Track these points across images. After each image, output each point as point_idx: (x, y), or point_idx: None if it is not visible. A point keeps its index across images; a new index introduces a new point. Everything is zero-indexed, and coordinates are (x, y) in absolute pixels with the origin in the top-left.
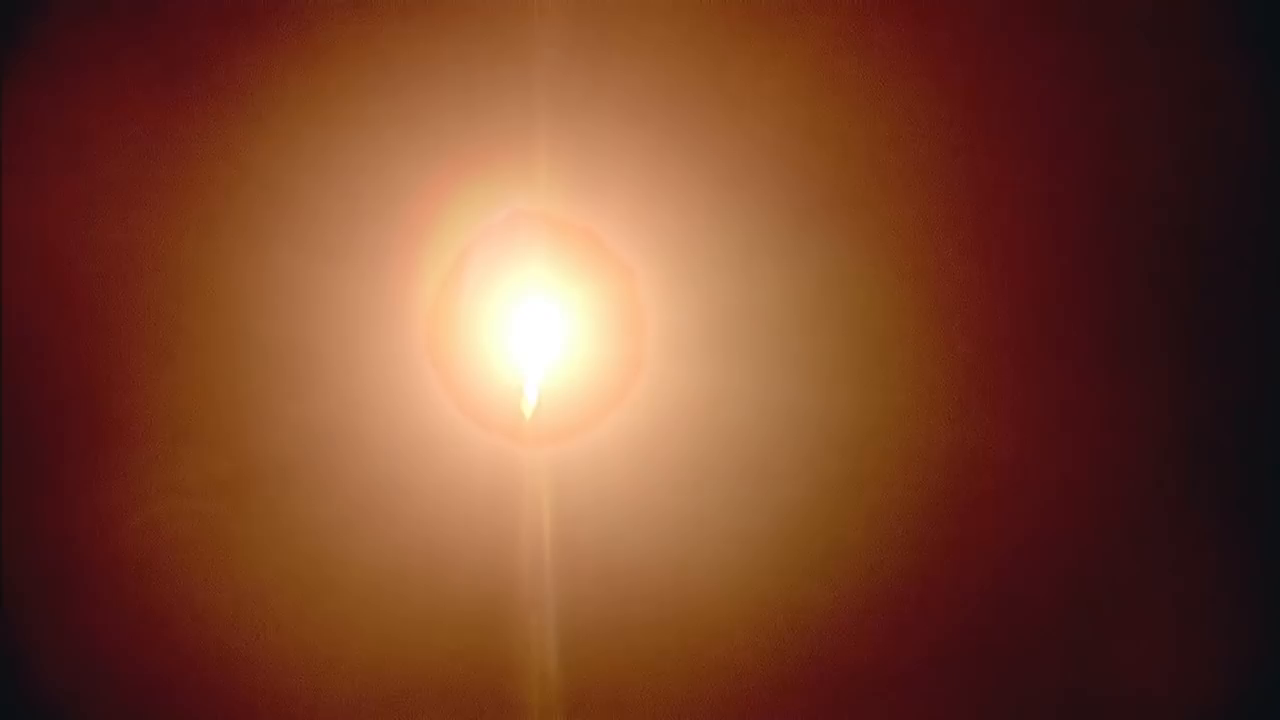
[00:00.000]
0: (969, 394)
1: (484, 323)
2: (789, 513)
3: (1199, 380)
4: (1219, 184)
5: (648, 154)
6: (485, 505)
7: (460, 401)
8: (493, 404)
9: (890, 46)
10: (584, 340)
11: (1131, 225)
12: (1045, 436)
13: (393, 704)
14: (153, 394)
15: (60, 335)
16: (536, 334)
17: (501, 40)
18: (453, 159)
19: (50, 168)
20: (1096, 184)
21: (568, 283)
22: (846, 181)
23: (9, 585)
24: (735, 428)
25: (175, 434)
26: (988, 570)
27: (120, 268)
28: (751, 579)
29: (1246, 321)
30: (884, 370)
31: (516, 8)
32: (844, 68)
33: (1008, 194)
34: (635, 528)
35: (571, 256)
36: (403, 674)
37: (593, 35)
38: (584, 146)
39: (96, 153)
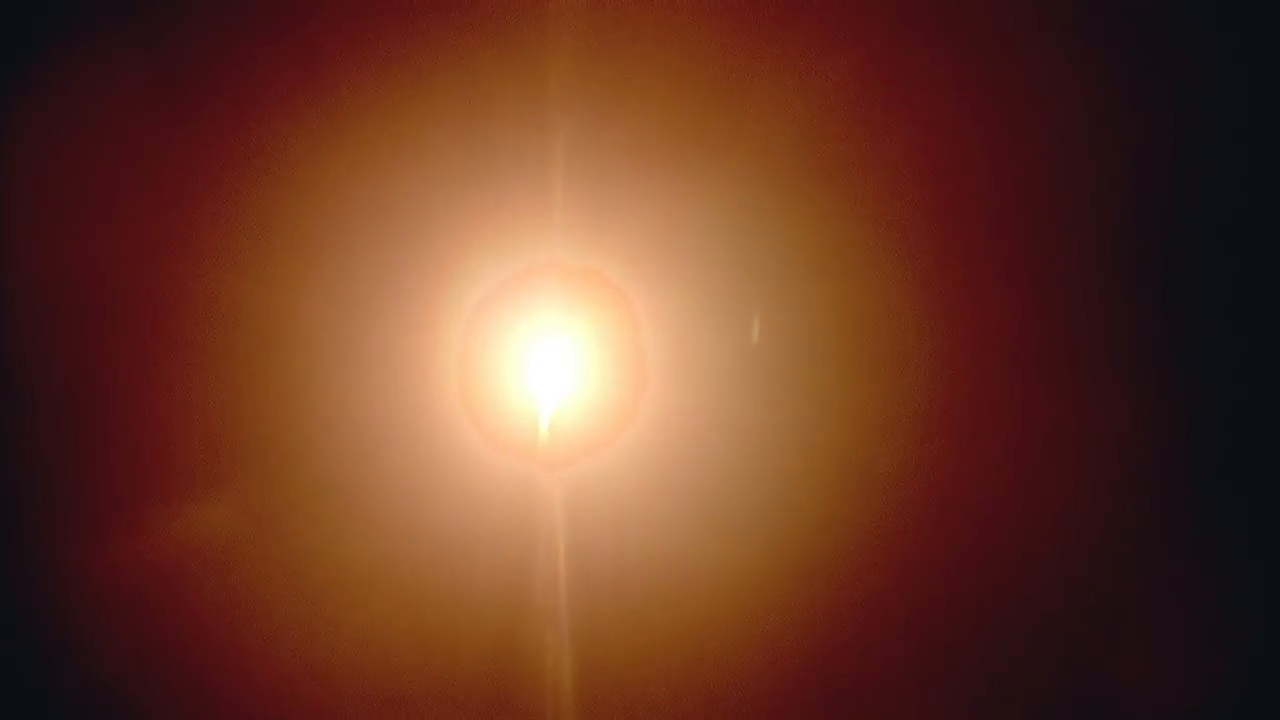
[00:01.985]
0: (960, 420)
1: (505, 357)
2: (785, 527)
3: (1178, 391)
4: (1193, 191)
5: (653, 203)
6: (504, 522)
7: (482, 428)
8: (512, 430)
9: (889, 92)
10: (593, 373)
11: (1108, 242)
12: (1032, 457)
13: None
14: (185, 422)
15: (92, 364)
16: (551, 366)
17: (519, 102)
18: (476, 213)
19: (88, 209)
20: (1065, 213)
21: (579, 321)
22: (841, 223)
23: (40, 600)
24: (729, 448)
25: (204, 461)
26: (977, 583)
27: (158, 305)
28: (753, 588)
29: (1218, 330)
30: (872, 395)
31: (531, 76)
32: (844, 115)
33: (996, 232)
34: (641, 539)
35: (582, 298)
36: (420, 689)
37: (601, 92)
38: (595, 195)
39: (135, 192)
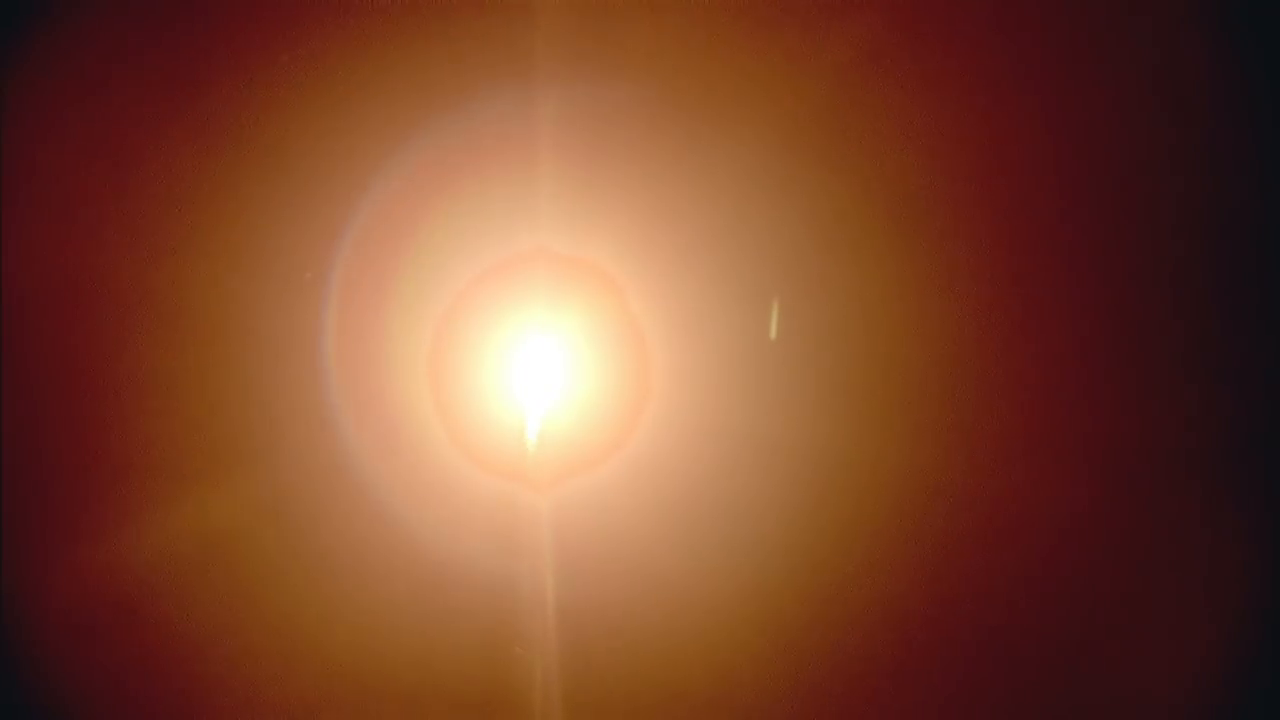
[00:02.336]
0: (974, 426)
1: (485, 362)
2: (795, 552)
3: (1201, 401)
4: (1222, 200)
5: (653, 186)
6: (487, 553)
7: (461, 443)
8: (494, 445)
9: (896, 68)
10: (587, 378)
11: (1139, 251)
12: (1045, 466)
13: None
14: (151, 432)
15: (54, 368)
16: (538, 372)
17: (503, 71)
18: (454, 194)
19: (42, 205)
20: (1107, 207)
21: (571, 319)
22: (859, 211)
23: (15, 616)
24: (741, 465)
25: (171, 473)
26: (986, 599)
27: (123, 306)
28: (755, 623)
29: (1249, 341)
30: (892, 404)
31: (516, 40)
32: (853, 91)
33: (1020, 222)
34: (639, 570)
35: (575, 292)
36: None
37: (594, 62)
38: (588, 178)
39: (92, 187)
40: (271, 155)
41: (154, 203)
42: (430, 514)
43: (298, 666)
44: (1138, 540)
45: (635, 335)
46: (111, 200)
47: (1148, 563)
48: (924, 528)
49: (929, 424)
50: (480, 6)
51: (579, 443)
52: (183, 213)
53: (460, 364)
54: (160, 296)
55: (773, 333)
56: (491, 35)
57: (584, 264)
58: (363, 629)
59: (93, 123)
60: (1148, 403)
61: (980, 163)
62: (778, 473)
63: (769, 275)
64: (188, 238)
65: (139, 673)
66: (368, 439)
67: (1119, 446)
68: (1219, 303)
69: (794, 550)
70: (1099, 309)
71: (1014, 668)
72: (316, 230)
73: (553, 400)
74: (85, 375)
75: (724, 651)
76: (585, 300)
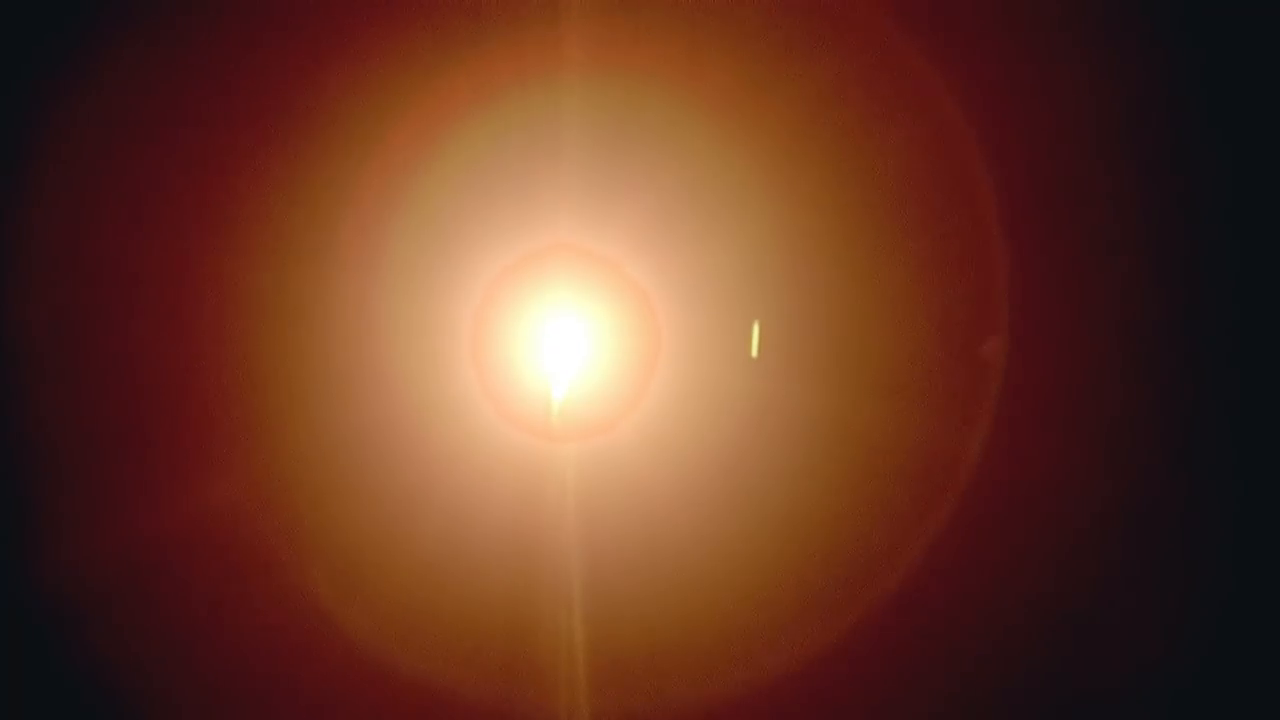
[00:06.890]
0: (978, 399)
1: (517, 335)
2: (800, 508)
3: (1195, 381)
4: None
5: (662, 185)
6: (516, 496)
7: (496, 403)
8: (524, 406)
9: (902, 71)
10: (605, 350)
11: (1137, 229)
12: (1050, 442)
13: (421, 692)
14: (197, 399)
15: (109, 343)
16: (563, 344)
17: (532, 84)
18: (489, 196)
19: (93, 180)
20: (1104, 186)
21: (591, 300)
22: (855, 197)
23: (72, 583)
24: (742, 427)
25: (220, 438)
26: (992, 570)
27: (169, 280)
28: (764, 568)
29: (1242, 324)
30: (889, 374)
31: (544, 55)
32: (856, 91)
33: (1017, 204)
34: (652, 517)
35: (594, 278)
36: (430, 661)
37: (613, 75)
38: (605, 180)
39: (146, 165)
40: (328, 161)
41: (207, 193)
42: (470, 465)
43: (328, 619)
44: (1140, 521)
45: (648, 318)
46: (162, 189)
47: (1148, 544)
48: (938, 498)
49: (941, 398)
50: (506, 7)
51: (597, 406)
52: (251, 204)
53: (496, 341)
54: (229, 284)
55: (754, 351)
56: (517, 35)
57: (600, 256)
58: (407, 561)
59: (143, 119)
60: (1147, 388)
61: (992, 143)
62: (773, 436)
63: (765, 265)
64: (249, 226)
65: (172, 642)
66: (418, 405)
67: (1121, 427)
68: (1217, 293)
69: (801, 510)
70: (1098, 294)
71: (1020, 645)
72: (374, 223)
73: (575, 371)
74: (142, 354)
75: (736, 601)
76: (603, 288)
